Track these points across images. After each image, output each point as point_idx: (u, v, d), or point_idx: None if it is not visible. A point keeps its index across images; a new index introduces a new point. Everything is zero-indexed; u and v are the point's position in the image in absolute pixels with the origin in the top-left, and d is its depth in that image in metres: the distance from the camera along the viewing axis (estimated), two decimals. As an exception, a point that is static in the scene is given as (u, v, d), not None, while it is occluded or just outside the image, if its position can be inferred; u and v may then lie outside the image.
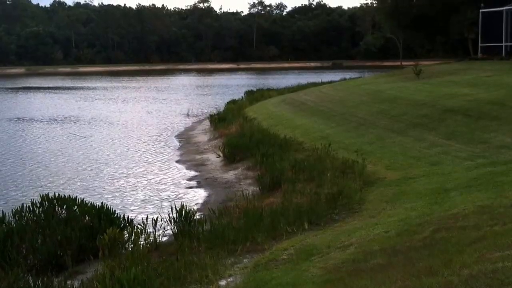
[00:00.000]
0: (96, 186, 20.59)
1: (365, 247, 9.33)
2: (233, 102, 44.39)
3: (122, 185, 20.56)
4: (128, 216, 13.58)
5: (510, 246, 6.85)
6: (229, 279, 9.49)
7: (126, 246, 12.15)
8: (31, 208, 13.16)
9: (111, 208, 13.67)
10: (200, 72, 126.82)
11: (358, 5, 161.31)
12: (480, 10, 45.79)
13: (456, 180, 14.18)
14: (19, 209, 13.20)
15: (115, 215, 13.30)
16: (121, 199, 18.47)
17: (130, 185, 20.52)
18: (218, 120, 33.22)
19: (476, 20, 46.21)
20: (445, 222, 9.66)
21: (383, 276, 7.14)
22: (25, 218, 12.94)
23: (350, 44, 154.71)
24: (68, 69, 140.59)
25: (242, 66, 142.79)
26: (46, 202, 13.29)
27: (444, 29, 49.45)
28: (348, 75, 69.90)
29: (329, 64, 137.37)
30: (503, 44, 44.06)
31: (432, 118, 23.50)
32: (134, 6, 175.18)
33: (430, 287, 6.02)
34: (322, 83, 51.63)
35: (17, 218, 12.93)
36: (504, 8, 43.80)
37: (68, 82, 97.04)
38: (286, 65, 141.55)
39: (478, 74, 34.66)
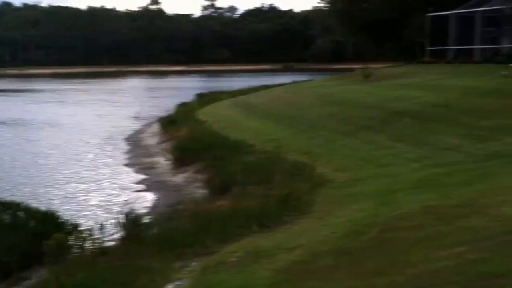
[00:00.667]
0: (44, 191, 20.15)
1: (313, 249, 9.38)
2: (184, 104, 44.13)
3: (70, 190, 20.19)
4: (75, 221, 13.33)
5: (453, 246, 6.98)
6: (177, 283, 9.40)
7: (72, 251, 11.92)
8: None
9: (58, 213, 13.41)
10: (151, 74, 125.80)
11: (310, 9, 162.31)
12: (428, 14, 46.80)
13: (402, 181, 14.41)
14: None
15: (62, 220, 13.04)
16: (68, 204, 18.12)
17: (78, 190, 20.17)
18: (168, 123, 32.98)
19: (425, 24, 47.19)
20: (392, 223, 9.80)
21: (331, 277, 7.19)
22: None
23: (302, 47, 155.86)
24: (15, 71, 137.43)
25: (194, 68, 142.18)
26: (-11, 207, 12.94)
27: (394, 33, 50.30)
28: (299, 78, 70.43)
29: (280, 67, 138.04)
30: (450, 47, 45.11)
31: (381, 120, 23.85)
32: (84, 8, 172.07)
33: (376, 287, 6.07)
34: (274, 86, 51.85)
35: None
36: (451, 12, 44.85)
37: (16, 85, 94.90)
38: (238, 67, 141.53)
39: (425, 77, 35.37)
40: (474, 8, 42.78)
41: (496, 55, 39.05)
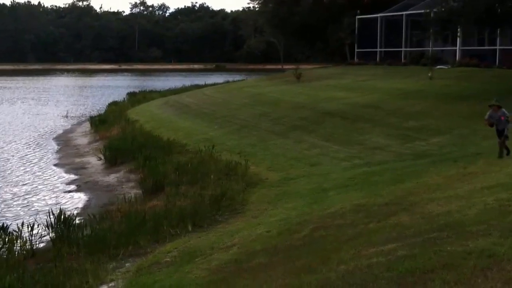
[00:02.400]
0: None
1: (247, 247, 9.47)
2: (114, 104, 43.44)
3: (-4, 191, 19.52)
4: (2, 223, 12.93)
5: (384, 242, 7.18)
6: (110, 284, 9.31)
7: (0, 253, 11.58)
8: None
9: (-16, 214, 12.99)
10: (80, 72, 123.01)
11: (241, 9, 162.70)
12: (357, 17, 47.79)
13: (334, 180, 14.73)
14: None
15: (-12, 221, 12.64)
16: (-5, 205, 17.53)
17: (5, 190, 19.53)
18: (98, 122, 32.39)
19: (353, 27, 48.14)
20: (324, 221, 10.01)
21: (264, 275, 7.27)
22: None
23: (233, 47, 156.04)
24: None
25: (124, 67, 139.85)
26: None
27: (324, 35, 51.04)
28: (231, 77, 70.44)
29: (212, 67, 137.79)
30: (378, 50, 46.20)
31: (312, 120, 24.25)
32: (8, 3, 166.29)
33: (309, 284, 6.17)
34: (206, 86, 51.76)
35: None
36: (379, 15, 45.95)
37: None
38: (170, 67, 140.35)
39: (354, 78, 36.17)
40: (400, 11, 44.01)
41: (421, 58, 40.31)
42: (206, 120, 28.78)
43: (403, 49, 44.16)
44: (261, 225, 11.11)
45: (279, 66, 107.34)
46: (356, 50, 48.61)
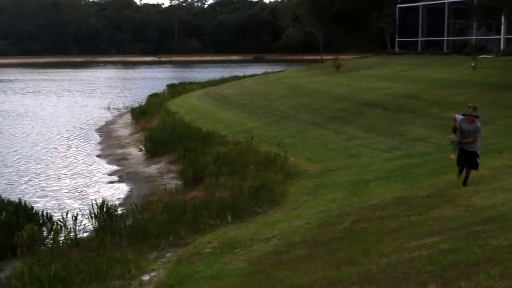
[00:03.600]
0: (15, 182, 19.86)
1: (287, 239, 9.46)
2: (155, 95, 43.83)
3: (42, 181, 19.94)
4: (47, 213, 13.20)
5: (426, 236, 7.10)
6: (152, 274, 9.41)
7: (46, 242, 11.84)
8: None
9: (30, 204, 13.27)
10: (121, 64, 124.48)
11: (279, 0, 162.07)
12: (397, 6, 47.16)
13: (374, 172, 14.58)
14: None
15: (34, 211, 12.92)
16: (40, 195, 17.92)
17: (50, 181, 19.93)
18: (139, 113, 32.73)
19: (394, 16, 47.54)
20: (364, 213, 9.93)
21: (304, 267, 7.26)
22: None
23: (271, 38, 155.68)
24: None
25: (163, 59, 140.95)
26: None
27: (363, 24, 50.54)
28: (270, 68, 70.33)
29: (251, 58, 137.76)
30: (419, 39, 45.54)
31: (351, 111, 24.05)
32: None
33: (350, 277, 6.14)
34: (245, 77, 51.78)
35: None
36: (420, 3, 45.27)
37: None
38: (209, 58, 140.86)
39: (395, 68, 35.71)
40: (443, 0, 43.28)
41: (464, 47, 39.55)
42: (245, 111, 28.81)
43: (445, 38, 43.40)
44: (300, 217, 11.08)
45: (318, 57, 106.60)
46: (396, 39, 48.02)
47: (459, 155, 10.42)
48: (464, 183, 10.33)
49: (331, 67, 39.77)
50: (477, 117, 10.30)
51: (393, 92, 26.52)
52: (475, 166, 10.30)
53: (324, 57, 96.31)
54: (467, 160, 10.29)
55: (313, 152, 18.53)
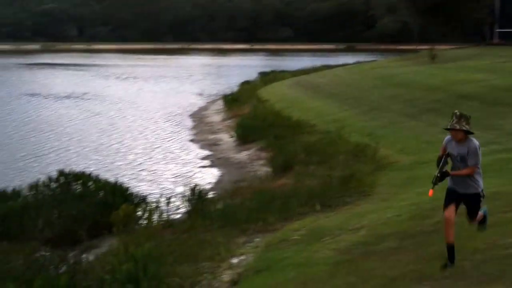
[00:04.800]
0: (111, 163, 20.76)
1: (376, 230, 9.38)
2: (246, 83, 44.34)
3: (137, 163, 20.71)
4: (142, 193, 13.71)
5: (522, 233, 6.88)
6: (241, 257, 9.59)
7: (140, 222, 12.29)
8: (47, 183, 13.33)
9: (125, 185, 13.80)
10: (215, 52, 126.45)
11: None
12: (498, -4, 45.49)
13: (469, 166, 14.13)
14: (35, 184, 13.37)
15: (129, 191, 13.44)
16: (135, 177, 18.62)
17: (145, 163, 20.65)
18: (231, 100, 33.23)
19: (494, 6, 45.80)
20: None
21: (394, 259, 7.20)
22: (41, 193, 13.11)
23: (364, 27, 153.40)
24: (82, 46, 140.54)
25: (256, 47, 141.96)
26: (62, 178, 13.44)
27: (461, 14, 49.00)
28: (362, 58, 69.45)
29: (343, 47, 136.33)
30: (521, 30, 43.78)
31: (446, 103, 23.37)
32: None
33: (442, 272, 6.06)
34: (336, 66, 51.40)
35: (33, 192, 13.10)
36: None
37: (83, 60, 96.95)
38: (301, 47, 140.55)
39: (493, 60, 34.41)
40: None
41: None
42: (336, 100, 28.63)
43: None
44: (390, 209, 10.93)
45: (413, 47, 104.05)
46: (496, 30, 46.22)
47: (446, 195, 6.74)
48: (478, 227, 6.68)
49: (426, 57, 38.86)
50: (471, 133, 6.46)
51: (491, 85, 25.57)
52: (474, 215, 6.45)
53: (419, 47, 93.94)
54: (466, 206, 6.46)
55: (404, 144, 18.19)
